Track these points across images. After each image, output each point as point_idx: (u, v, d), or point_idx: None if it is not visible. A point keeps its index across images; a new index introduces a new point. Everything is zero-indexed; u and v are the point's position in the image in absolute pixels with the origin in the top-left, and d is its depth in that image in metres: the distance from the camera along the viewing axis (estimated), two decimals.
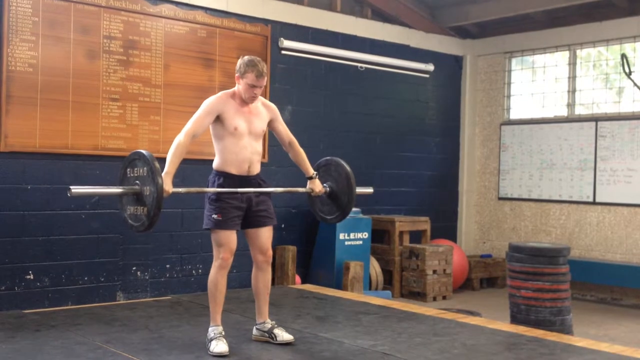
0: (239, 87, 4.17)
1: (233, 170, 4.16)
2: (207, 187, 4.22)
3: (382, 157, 8.20)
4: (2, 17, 5.47)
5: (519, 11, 8.17)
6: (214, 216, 4.12)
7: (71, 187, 3.74)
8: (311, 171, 4.48)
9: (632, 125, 7.62)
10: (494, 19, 8.48)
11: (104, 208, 5.98)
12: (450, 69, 8.95)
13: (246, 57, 4.19)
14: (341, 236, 7.10)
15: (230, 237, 4.14)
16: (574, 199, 8.08)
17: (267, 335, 4.36)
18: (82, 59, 5.88)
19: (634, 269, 7.32)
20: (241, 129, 4.15)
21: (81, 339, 4.40)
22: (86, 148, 5.91)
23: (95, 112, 5.95)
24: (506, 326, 5.20)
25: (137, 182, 3.85)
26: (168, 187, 3.82)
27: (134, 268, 6.19)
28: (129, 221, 3.94)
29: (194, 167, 6.14)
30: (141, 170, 3.83)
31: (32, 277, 5.65)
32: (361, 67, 7.93)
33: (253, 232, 4.28)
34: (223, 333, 4.16)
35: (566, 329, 5.40)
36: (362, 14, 8.04)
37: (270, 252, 4.33)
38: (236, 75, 4.18)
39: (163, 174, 3.80)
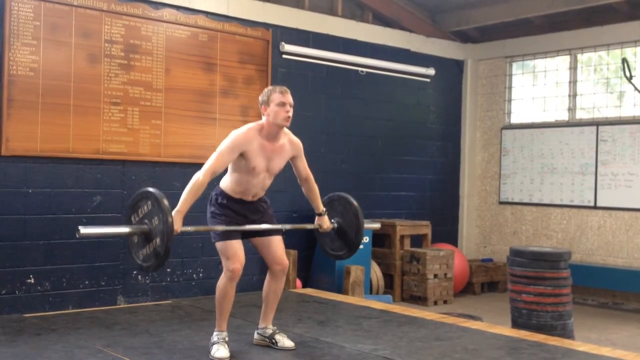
0: (268, 118, 4.09)
1: (238, 197, 4.18)
2: (210, 202, 4.24)
3: (383, 161, 8.20)
4: (3, 21, 5.48)
5: (519, 16, 8.17)
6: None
7: (80, 227, 3.61)
8: (321, 207, 4.47)
9: (633, 130, 7.62)
10: (495, 24, 8.49)
11: (105, 212, 5.98)
12: (451, 73, 8.96)
13: (265, 89, 4.20)
14: None
15: (236, 247, 4.11)
16: (575, 203, 8.08)
17: (267, 340, 4.36)
18: (84, 63, 5.89)
19: (635, 273, 7.31)
20: (259, 169, 4.11)
21: (82, 343, 4.40)
22: (87, 152, 5.91)
23: (96, 116, 5.95)
24: (507, 331, 5.20)
25: (145, 221, 3.75)
26: (177, 226, 3.73)
27: (135, 272, 6.18)
28: (144, 265, 3.80)
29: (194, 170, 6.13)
30: (146, 207, 3.74)
31: (32, 281, 5.64)
32: (362, 72, 7.93)
33: (259, 240, 4.27)
34: (226, 339, 4.17)
35: (567, 334, 5.39)
36: (363, 19, 8.05)
37: (287, 262, 4.31)
38: (262, 107, 4.12)
39: (174, 212, 3.73)
